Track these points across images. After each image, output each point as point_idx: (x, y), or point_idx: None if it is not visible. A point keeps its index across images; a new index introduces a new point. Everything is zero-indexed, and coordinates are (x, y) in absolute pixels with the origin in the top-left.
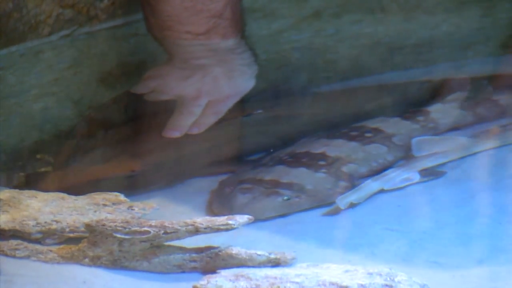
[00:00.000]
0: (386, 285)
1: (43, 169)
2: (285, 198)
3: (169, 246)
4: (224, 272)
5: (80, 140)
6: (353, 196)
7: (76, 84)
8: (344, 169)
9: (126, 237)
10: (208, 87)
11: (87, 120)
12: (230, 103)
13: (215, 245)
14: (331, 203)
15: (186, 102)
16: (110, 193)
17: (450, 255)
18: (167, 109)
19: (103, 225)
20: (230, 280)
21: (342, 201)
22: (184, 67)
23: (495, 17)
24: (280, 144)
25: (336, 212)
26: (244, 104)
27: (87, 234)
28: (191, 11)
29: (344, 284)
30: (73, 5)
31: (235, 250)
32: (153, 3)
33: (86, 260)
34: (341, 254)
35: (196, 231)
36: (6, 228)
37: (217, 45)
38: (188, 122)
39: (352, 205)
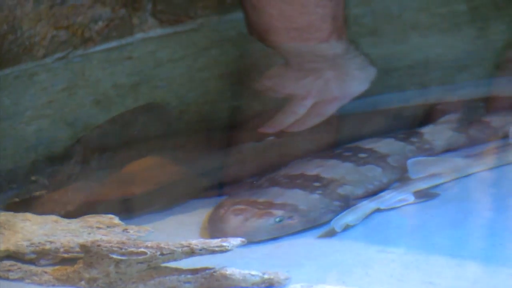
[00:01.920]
0: None
1: (37, 193)
2: (277, 219)
3: (165, 267)
4: None
5: (77, 162)
6: (348, 217)
7: (70, 106)
8: (340, 190)
9: (123, 258)
10: (317, 89)
11: (83, 142)
12: (337, 106)
13: (210, 266)
14: (325, 224)
15: (293, 102)
16: (104, 215)
17: (445, 276)
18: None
19: (99, 245)
20: None
21: (338, 223)
22: (299, 69)
23: (488, 38)
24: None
25: (332, 234)
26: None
27: (81, 255)
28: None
29: None
30: (67, 27)
31: (229, 271)
32: (254, 20)
33: (82, 282)
34: (336, 275)
35: (191, 252)
36: (1, 249)
37: (327, 51)
38: (288, 121)
39: (348, 227)
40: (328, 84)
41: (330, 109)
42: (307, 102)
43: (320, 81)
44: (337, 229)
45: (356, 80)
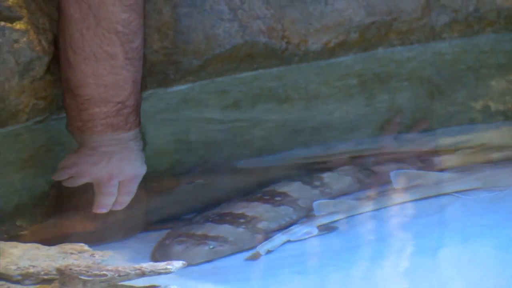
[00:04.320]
0: None
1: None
2: (211, 247)
3: (122, 285)
4: None
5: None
6: (269, 245)
7: None
8: (259, 225)
9: (89, 278)
10: (116, 170)
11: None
12: (137, 183)
13: (157, 284)
14: (250, 249)
15: (102, 184)
16: (76, 244)
17: None
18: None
19: (70, 269)
20: None
21: (262, 248)
22: (91, 154)
23: (375, 106)
24: (209, 207)
25: (257, 257)
26: (182, 176)
27: (57, 277)
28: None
29: None
30: (45, 97)
31: None
32: (68, 77)
33: None
34: None
35: (142, 274)
36: None
37: (121, 135)
38: (110, 202)
39: (268, 252)
40: (121, 165)
41: (134, 187)
42: (114, 182)
43: (113, 163)
44: (262, 252)
45: (140, 160)
